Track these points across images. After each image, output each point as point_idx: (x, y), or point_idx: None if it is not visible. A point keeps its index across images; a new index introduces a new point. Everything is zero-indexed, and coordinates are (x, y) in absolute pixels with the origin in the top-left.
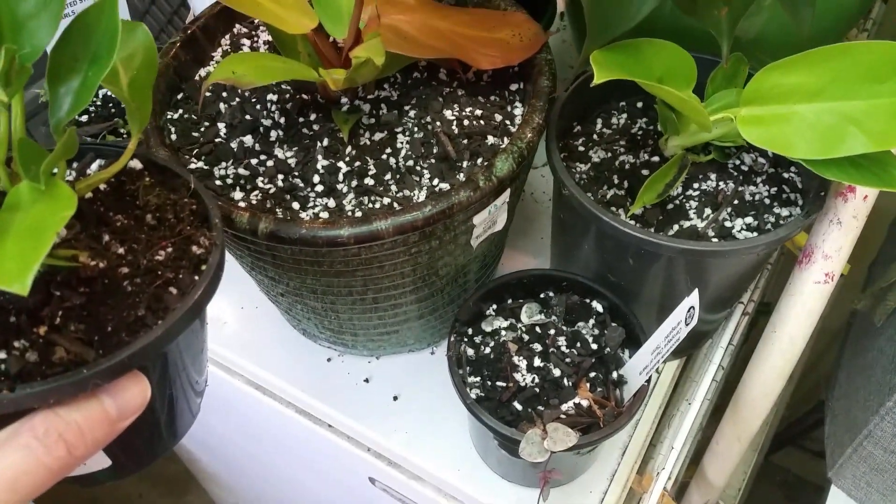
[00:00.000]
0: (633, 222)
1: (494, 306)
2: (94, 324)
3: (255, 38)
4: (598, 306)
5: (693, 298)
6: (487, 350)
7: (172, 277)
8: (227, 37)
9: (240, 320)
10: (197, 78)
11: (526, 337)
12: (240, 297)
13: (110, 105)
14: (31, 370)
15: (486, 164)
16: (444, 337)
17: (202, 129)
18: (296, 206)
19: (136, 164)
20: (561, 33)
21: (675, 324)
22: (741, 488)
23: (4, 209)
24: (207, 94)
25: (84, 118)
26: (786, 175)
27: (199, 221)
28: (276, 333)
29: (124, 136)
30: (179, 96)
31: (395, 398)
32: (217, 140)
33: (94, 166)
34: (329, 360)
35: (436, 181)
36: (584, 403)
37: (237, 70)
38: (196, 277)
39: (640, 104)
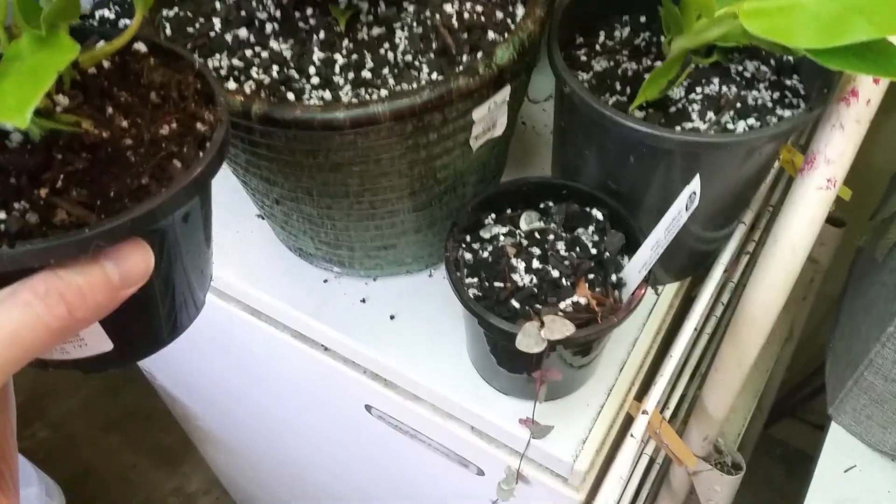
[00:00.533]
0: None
1: (493, 215)
2: (97, 189)
3: None
4: (598, 214)
5: (695, 184)
6: (485, 254)
7: (177, 151)
8: None
9: (235, 244)
10: None
11: (525, 242)
12: (235, 220)
13: (107, 25)
14: (32, 231)
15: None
16: (442, 258)
17: (197, 25)
18: (291, 97)
19: (141, 47)
20: None
21: (676, 213)
22: (741, 433)
23: (4, 61)
24: None
25: None
26: (788, 82)
27: (204, 101)
28: (272, 255)
29: None
30: None
31: (392, 317)
32: (212, 34)
33: (99, 46)
34: (325, 281)
35: (434, 75)
36: (583, 302)
37: None
38: (200, 153)
39: (643, 18)
